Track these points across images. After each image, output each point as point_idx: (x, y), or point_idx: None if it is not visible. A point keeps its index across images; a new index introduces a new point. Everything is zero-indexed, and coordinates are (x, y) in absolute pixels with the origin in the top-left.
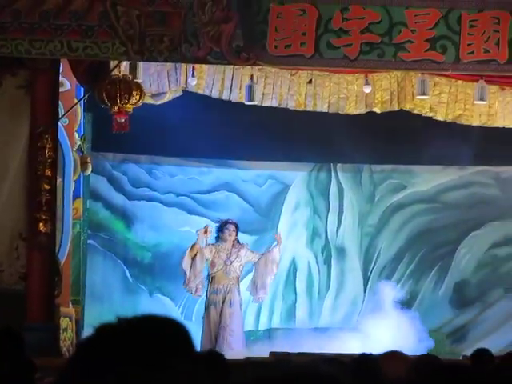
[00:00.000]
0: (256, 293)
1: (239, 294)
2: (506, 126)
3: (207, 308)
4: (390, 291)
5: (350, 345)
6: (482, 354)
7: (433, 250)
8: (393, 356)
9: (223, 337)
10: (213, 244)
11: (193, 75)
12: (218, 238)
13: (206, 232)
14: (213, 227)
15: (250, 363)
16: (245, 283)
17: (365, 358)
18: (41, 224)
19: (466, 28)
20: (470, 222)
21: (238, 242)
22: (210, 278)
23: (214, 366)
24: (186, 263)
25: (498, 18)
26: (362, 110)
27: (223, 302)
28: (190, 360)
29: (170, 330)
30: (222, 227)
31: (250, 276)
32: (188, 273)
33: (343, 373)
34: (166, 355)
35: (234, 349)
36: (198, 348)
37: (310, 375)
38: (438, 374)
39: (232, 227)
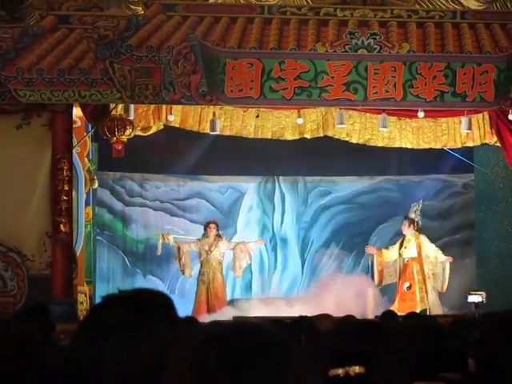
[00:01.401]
0: (235, 271)
1: (221, 273)
2: (403, 146)
3: (198, 285)
4: (321, 269)
5: (292, 309)
6: (387, 314)
7: (351, 238)
8: (323, 316)
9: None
10: (198, 239)
11: (171, 113)
12: (203, 235)
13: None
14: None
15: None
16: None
17: (302, 318)
18: (61, 225)
19: (372, 75)
20: (379, 217)
21: (219, 235)
22: (200, 264)
23: (189, 327)
24: (176, 259)
25: (395, 67)
26: (297, 137)
27: (210, 280)
28: (171, 323)
29: (157, 299)
30: (205, 226)
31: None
32: (179, 265)
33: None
34: (153, 317)
35: (218, 311)
36: (190, 312)
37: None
38: (355, 328)
39: (212, 226)
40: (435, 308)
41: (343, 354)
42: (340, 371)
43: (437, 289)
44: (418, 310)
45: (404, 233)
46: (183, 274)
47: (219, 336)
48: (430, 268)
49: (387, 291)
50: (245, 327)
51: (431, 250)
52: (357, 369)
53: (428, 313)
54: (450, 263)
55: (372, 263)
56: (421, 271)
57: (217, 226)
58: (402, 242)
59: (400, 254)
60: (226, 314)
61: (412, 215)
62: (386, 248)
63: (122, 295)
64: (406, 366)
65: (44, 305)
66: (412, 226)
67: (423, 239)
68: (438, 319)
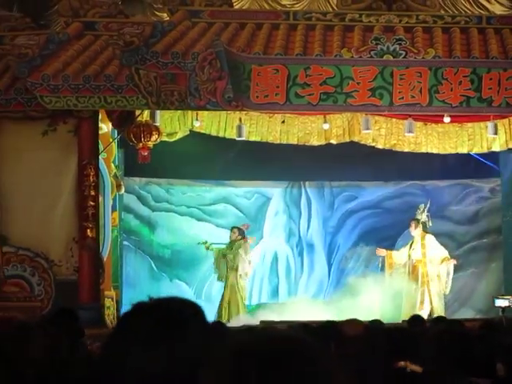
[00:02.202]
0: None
1: (235, 278)
2: (429, 151)
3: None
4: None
5: (319, 313)
6: (415, 319)
7: (378, 243)
8: (352, 321)
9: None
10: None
11: (196, 119)
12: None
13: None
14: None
15: (244, 329)
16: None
17: (330, 323)
18: (88, 230)
19: (397, 80)
20: (405, 222)
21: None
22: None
23: (220, 335)
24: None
25: (420, 73)
26: (323, 142)
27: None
28: (201, 331)
29: (188, 307)
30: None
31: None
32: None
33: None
34: (184, 325)
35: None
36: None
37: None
38: (385, 333)
39: (234, 230)
40: (438, 312)
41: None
42: (403, 363)
43: (442, 292)
44: (419, 314)
45: (412, 234)
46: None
47: (257, 347)
48: (435, 270)
49: (397, 292)
50: (282, 338)
51: (437, 252)
52: (416, 367)
53: (430, 316)
54: (476, 268)
55: (383, 265)
56: (425, 273)
57: (239, 230)
58: (412, 243)
59: (409, 256)
60: (241, 320)
61: (419, 216)
62: (397, 250)
63: (152, 303)
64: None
65: (73, 309)
66: (419, 226)
67: (429, 240)
68: (465, 324)
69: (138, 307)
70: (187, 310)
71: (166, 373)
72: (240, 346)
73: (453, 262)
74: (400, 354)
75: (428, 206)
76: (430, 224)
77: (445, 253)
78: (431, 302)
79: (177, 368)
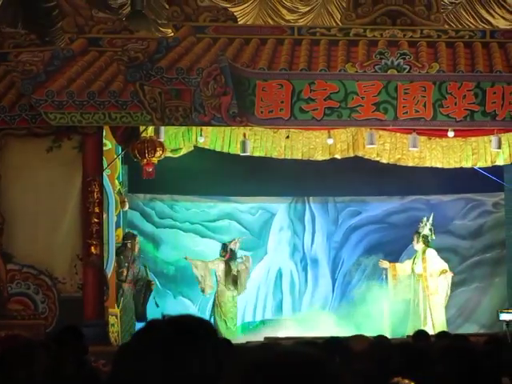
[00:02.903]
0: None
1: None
2: (433, 166)
3: None
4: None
5: (324, 328)
6: (419, 334)
7: (382, 258)
8: (358, 337)
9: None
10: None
11: (201, 135)
12: None
13: None
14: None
15: (248, 346)
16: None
17: (334, 339)
18: (92, 247)
19: (402, 94)
20: (409, 237)
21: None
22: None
23: (229, 351)
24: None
25: (424, 87)
26: (327, 157)
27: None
28: (214, 348)
29: (200, 325)
30: None
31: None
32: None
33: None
34: (197, 343)
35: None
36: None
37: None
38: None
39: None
40: (440, 327)
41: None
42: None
43: (442, 305)
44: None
45: (415, 248)
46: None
47: (266, 364)
48: (435, 284)
49: (401, 306)
50: (291, 354)
51: (437, 266)
52: (406, 382)
53: (433, 332)
54: (480, 282)
55: (386, 277)
56: (426, 287)
57: (224, 246)
58: (415, 257)
59: (412, 270)
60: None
61: (421, 230)
62: (400, 262)
63: (165, 320)
64: None
65: (77, 327)
66: (420, 240)
67: (430, 254)
68: (469, 338)
69: (152, 324)
70: (200, 327)
71: None
72: (251, 362)
73: (450, 274)
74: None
75: (431, 219)
76: (433, 237)
77: (444, 265)
78: (432, 317)
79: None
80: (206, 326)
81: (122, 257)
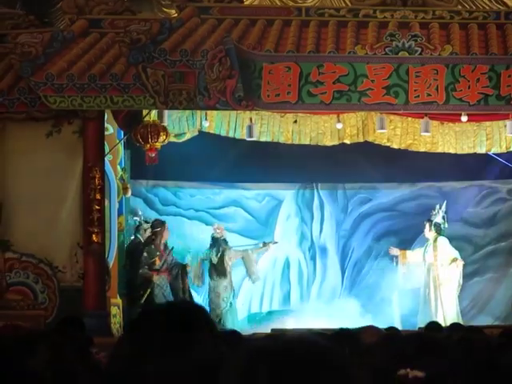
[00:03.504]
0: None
1: None
2: (446, 152)
3: None
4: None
5: (333, 320)
6: (432, 325)
7: (393, 246)
8: (368, 328)
9: None
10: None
11: (206, 119)
12: None
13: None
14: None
15: (254, 337)
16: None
17: (344, 330)
18: (93, 235)
19: (413, 78)
20: (420, 225)
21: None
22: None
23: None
24: None
25: (437, 70)
26: (336, 142)
27: None
28: (211, 334)
29: (195, 311)
30: None
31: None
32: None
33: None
34: (193, 329)
35: None
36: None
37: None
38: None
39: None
40: (452, 318)
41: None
42: (403, 372)
43: (455, 296)
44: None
45: (426, 236)
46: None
47: (270, 352)
48: (446, 273)
49: (411, 296)
50: (297, 342)
51: (449, 255)
52: (417, 373)
53: (444, 324)
54: (494, 273)
55: (396, 265)
56: (437, 277)
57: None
58: (426, 246)
59: (424, 258)
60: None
61: (433, 218)
62: (411, 250)
63: (160, 308)
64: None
65: (79, 318)
66: (432, 228)
67: (441, 243)
68: (484, 330)
69: (147, 312)
70: (196, 313)
71: (180, 377)
72: (254, 349)
73: (461, 262)
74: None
75: (444, 207)
76: (446, 226)
77: (455, 254)
78: (443, 308)
79: (193, 370)
80: (199, 311)
81: (152, 246)
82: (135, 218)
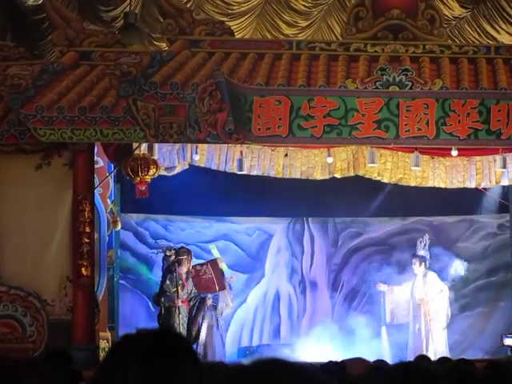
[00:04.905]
0: None
1: None
2: (436, 186)
3: None
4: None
5: (322, 353)
6: (420, 358)
7: (384, 280)
8: (356, 360)
9: None
10: None
11: (196, 152)
12: None
13: None
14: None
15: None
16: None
17: (332, 362)
18: (83, 269)
19: (403, 112)
20: (409, 259)
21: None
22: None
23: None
24: None
25: (427, 104)
26: (326, 176)
27: None
28: (193, 363)
29: (177, 339)
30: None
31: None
32: None
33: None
34: (175, 357)
35: None
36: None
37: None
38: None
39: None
40: (442, 353)
41: None
42: None
43: (443, 329)
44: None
45: (415, 272)
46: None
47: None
48: (436, 308)
49: (400, 331)
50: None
51: (438, 288)
52: None
53: (434, 358)
54: (484, 307)
55: (384, 301)
56: (427, 312)
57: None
58: (415, 281)
59: (412, 294)
60: None
61: (421, 252)
62: (399, 285)
63: (141, 335)
64: None
65: (66, 350)
66: (423, 263)
67: (431, 278)
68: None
69: (129, 338)
70: (178, 341)
71: None
72: (231, 372)
73: (445, 288)
74: None
75: (426, 240)
76: (429, 258)
77: (444, 287)
78: (433, 343)
79: None
80: (182, 340)
81: (174, 274)
82: (154, 250)
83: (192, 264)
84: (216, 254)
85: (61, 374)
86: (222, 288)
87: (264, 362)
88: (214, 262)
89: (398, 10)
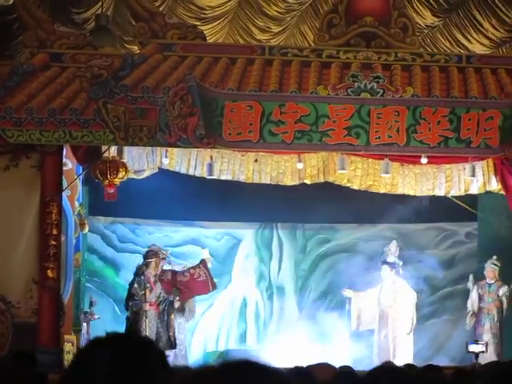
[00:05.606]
0: None
1: None
2: (405, 193)
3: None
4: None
5: (289, 359)
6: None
7: (351, 287)
8: (322, 365)
9: None
10: None
11: (166, 156)
12: None
13: None
14: None
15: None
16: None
17: (298, 368)
18: (49, 271)
19: (374, 119)
20: (377, 266)
21: None
22: None
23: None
24: None
25: (398, 112)
26: (296, 182)
27: None
28: (162, 366)
29: (144, 342)
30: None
31: None
32: None
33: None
34: (145, 360)
35: None
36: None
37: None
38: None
39: None
40: (408, 359)
41: None
42: None
43: (408, 335)
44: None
45: (384, 278)
46: None
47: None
48: (403, 314)
49: (365, 338)
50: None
51: (408, 296)
52: None
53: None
54: (451, 315)
55: (350, 307)
56: (395, 319)
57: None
58: (382, 287)
59: (379, 300)
60: None
61: (391, 259)
62: (364, 291)
63: (110, 338)
64: None
65: (31, 353)
66: (393, 270)
67: (399, 284)
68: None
69: (97, 342)
70: (147, 342)
71: None
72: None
73: (412, 293)
74: None
75: (394, 247)
76: (400, 264)
77: (412, 294)
78: (399, 348)
79: None
80: (150, 343)
81: (142, 277)
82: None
83: (184, 268)
84: (205, 254)
85: (27, 375)
86: (214, 288)
87: (234, 363)
88: (204, 263)
89: (371, 17)
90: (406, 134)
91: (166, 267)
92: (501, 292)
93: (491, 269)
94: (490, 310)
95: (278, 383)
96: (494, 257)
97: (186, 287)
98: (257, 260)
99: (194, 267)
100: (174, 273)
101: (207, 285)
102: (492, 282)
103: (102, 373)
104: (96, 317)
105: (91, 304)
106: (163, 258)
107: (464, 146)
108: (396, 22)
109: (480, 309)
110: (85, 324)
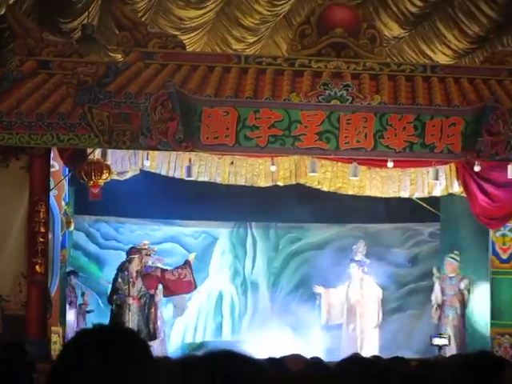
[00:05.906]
0: None
1: None
2: (372, 195)
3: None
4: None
5: (262, 351)
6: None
7: (320, 283)
8: (294, 356)
9: None
10: None
11: (147, 158)
12: None
13: None
14: None
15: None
16: None
17: (271, 358)
18: (37, 266)
19: (344, 125)
20: (346, 263)
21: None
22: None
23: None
24: None
25: (366, 118)
26: (270, 184)
27: None
28: (148, 357)
29: (131, 334)
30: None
31: None
32: None
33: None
34: (131, 350)
35: None
36: None
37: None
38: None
39: None
40: (374, 351)
41: None
42: None
43: (374, 328)
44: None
45: (352, 276)
46: None
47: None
48: (370, 309)
49: (335, 330)
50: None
51: (374, 292)
52: None
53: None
54: (414, 309)
55: (320, 303)
56: (362, 314)
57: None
58: (350, 284)
59: (347, 296)
60: None
61: (358, 257)
62: (334, 288)
63: (97, 329)
64: None
65: (21, 343)
66: (361, 267)
67: (366, 281)
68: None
69: (84, 333)
70: (133, 334)
71: None
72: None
73: (380, 294)
74: None
75: (363, 246)
76: (367, 262)
77: (378, 290)
78: (366, 341)
79: None
80: (137, 334)
81: (126, 272)
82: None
83: (172, 268)
84: (192, 257)
85: (17, 364)
86: (195, 287)
87: (217, 352)
88: (189, 263)
89: (341, 28)
90: (374, 139)
91: (157, 264)
92: (462, 285)
93: (449, 262)
94: (453, 303)
95: (257, 371)
96: (456, 252)
97: (173, 285)
98: (232, 257)
99: (181, 267)
100: (163, 270)
101: (191, 284)
102: (452, 275)
103: (91, 363)
104: (89, 307)
105: (83, 295)
106: (148, 255)
107: (428, 151)
108: (365, 33)
109: (443, 302)
110: (78, 316)
